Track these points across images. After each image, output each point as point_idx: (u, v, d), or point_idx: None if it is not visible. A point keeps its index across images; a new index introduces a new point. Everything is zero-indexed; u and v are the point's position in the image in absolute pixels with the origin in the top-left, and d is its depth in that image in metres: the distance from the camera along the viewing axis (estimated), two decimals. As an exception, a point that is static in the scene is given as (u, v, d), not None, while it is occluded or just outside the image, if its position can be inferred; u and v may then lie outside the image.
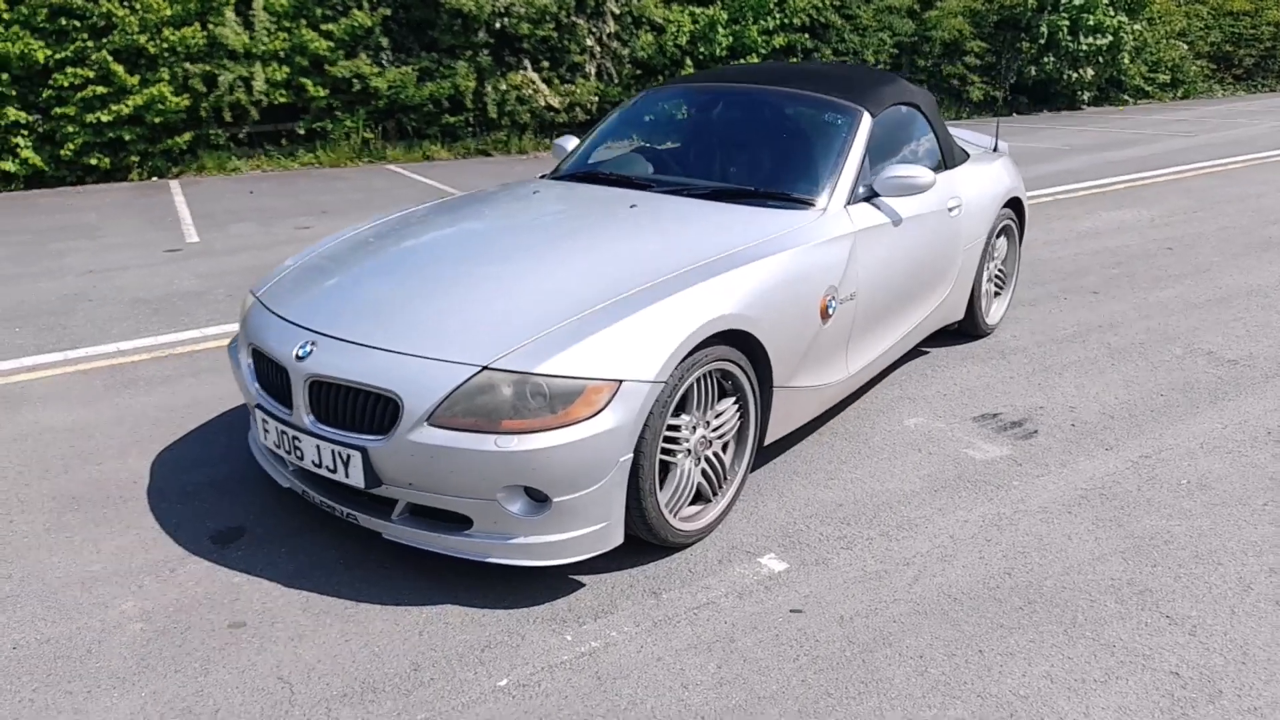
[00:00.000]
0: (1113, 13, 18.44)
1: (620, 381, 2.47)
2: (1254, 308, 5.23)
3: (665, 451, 2.72)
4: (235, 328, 4.86)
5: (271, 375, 2.79)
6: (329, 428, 2.60)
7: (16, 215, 9.00)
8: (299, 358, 2.64)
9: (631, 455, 2.53)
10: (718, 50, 14.30)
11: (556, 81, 13.47)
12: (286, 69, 11.78)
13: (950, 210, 4.07)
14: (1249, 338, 4.71)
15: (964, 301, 4.40)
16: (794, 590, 2.66)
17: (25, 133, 10.60)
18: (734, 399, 2.95)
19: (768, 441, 3.20)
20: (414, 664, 2.36)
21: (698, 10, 14.26)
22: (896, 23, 16.11)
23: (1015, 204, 4.73)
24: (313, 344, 2.66)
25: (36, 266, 6.65)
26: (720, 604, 2.61)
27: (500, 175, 10.75)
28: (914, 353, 4.54)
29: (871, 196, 3.59)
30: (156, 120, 11.01)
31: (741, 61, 14.58)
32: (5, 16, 10.10)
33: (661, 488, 2.75)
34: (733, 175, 3.78)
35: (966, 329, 4.63)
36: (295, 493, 2.91)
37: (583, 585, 2.69)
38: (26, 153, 10.56)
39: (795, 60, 15.12)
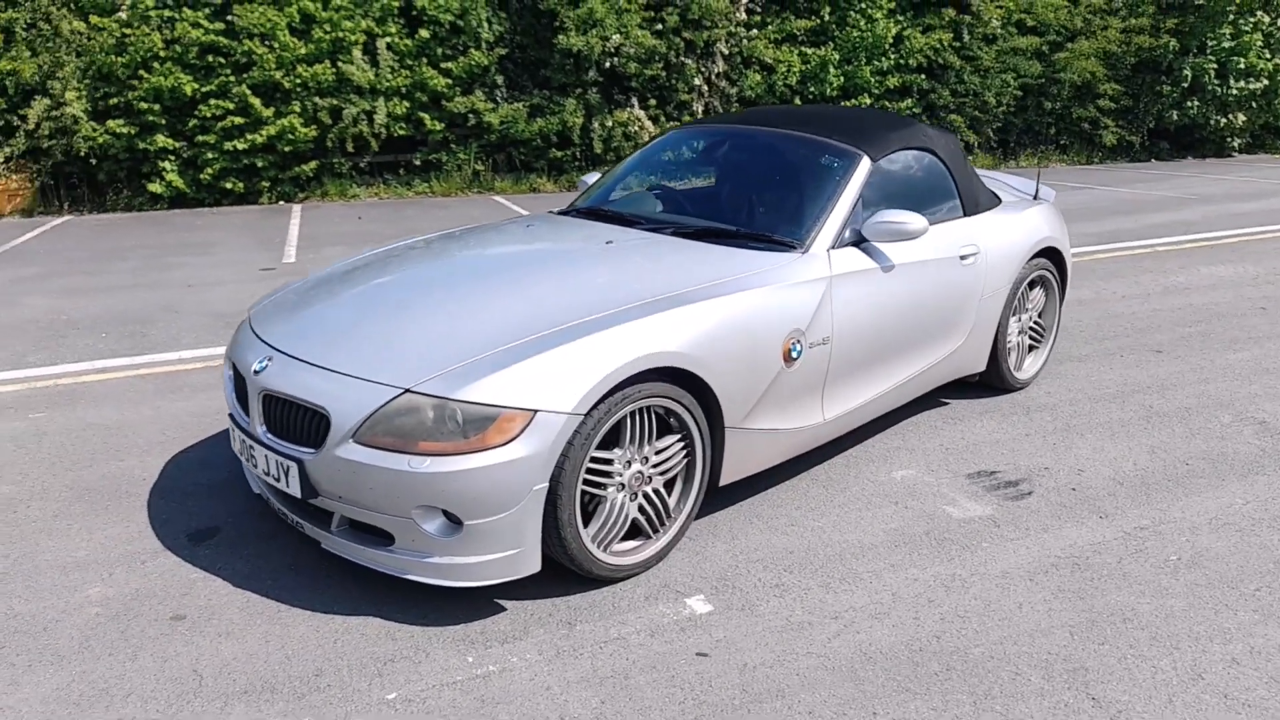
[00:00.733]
0: (1268, 55, 17.25)
1: (535, 411, 2.54)
2: (1337, 376, 4.80)
3: (593, 484, 2.76)
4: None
5: (241, 388, 3.00)
6: (276, 439, 2.78)
7: (153, 231, 9.89)
8: (256, 372, 2.84)
9: (547, 484, 2.59)
10: (828, 90, 14.25)
11: (663, 119, 13.72)
12: (407, 104, 12.49)
13: (963, 259, 3.95)
14: (1317, 409, 4.33)
15: (984, 353, 4.24)
16: (709, 634, 2.64)
17: (172, 158, 11.64)
18: (679, 437, 2.96)
19: (725, 483, 3.18)
20: (318, 670, 2.48)
21: (809, 50, 14.25)
22: (1022, 64, 15.59)
23: (1052, 255, 4.53)
24: (269, 359, 2.85)
25: (148, 279, 7.30)
26: (629, 640, 2.61)
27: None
28: (931, 403, 4.40)
29: (860, 241, 3.54)
30: (286, 149, 11.88)
31: (853, 103, 14.45)
32: (161, 54, 11.15)
33: (590, 520, 2.80)
34: (726, 215, 3.80)
35: (991, 382, 4.45)
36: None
37: (504, 610, 2.76)
38: (172, 176, 11.58)
39: (909, 103, 14.87)
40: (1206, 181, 13.54)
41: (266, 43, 11.52)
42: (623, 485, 2.84)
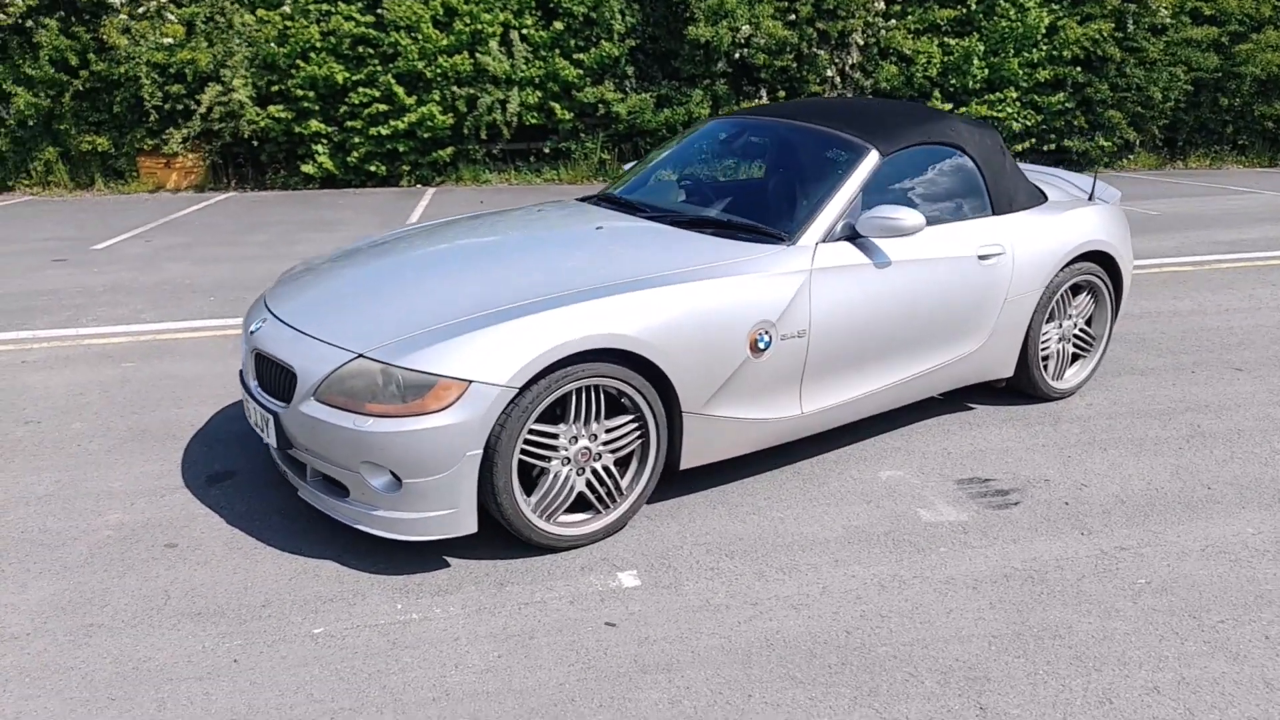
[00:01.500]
0: None
1: (470, 382, 2.72)
2: None
3: (536, 455, 2.92)
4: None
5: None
6: (262, 393, 3.09)
7: (297, 209, 10.76)
8: (251, 332, 3.16)
9: (481, 451, 2.76)
10: (971, 83, 13.66)
11: (793, 111, 13.56)
12: (539, 93, 12.95)
13: (983, 258, 3.82)
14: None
15: (1010, 358, 4.07)
16: (625, 606, 2.75)
17: (324, 141, 12.57)
18: (632, 417, 3.07)
19: (687, 467, 3.26)
20: (266, 601, 2.76)
21: (952, 41, 13.70)
22: (1195, 56, 14.39)
23: (1103, 259, 4.28)
24: (264, 321, 3.17)
25: (274, 251, 8.00)
26: (548, 604, 2.76)
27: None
28: (953, 407, 4.27)
29: (856, 237, 3.50)
30: (426, 135, 12.59)
31: (998, 95, 13.80)
32: (318, 45, 12.06)
33: (534, 489, 2.95)
34: (732, 205, 3.84)
35: (1023, 389, 4.27)
36: (268, 449, 3.45)
37: (447, 566, 2.96)
38: (323, 158, 12.52)
39: (1061, 97, 14.03)
40: (1403, 189, 12.09)
41: (411, 34, 12.23)
42: (568, 459, 2.98)
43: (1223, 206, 10.48)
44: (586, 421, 2.99)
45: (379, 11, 12.25)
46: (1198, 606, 2.75)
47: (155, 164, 12.58)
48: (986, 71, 13.71)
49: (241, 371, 3.37)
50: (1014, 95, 13.82)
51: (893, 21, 13.57)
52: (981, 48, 13.60)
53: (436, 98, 12.56)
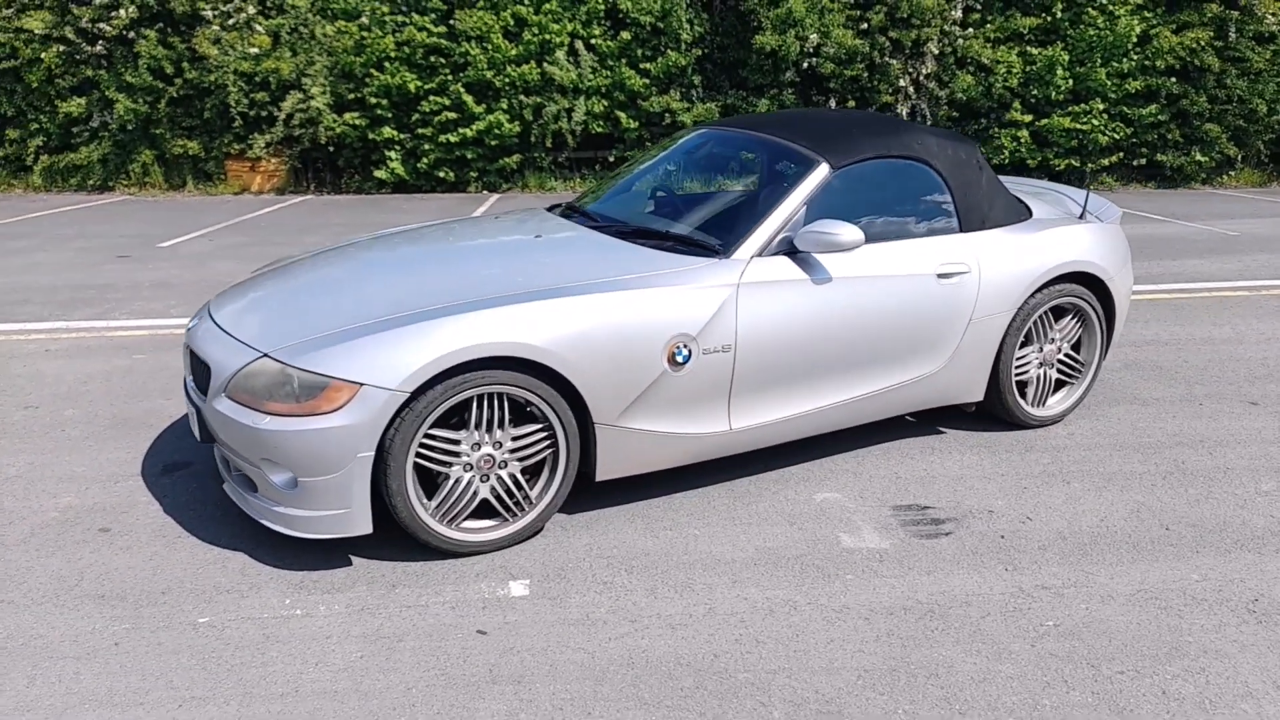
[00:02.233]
0: None
1: (361, 385, 2.77)
2: None
3: (436, 460, 2.95)
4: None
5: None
6: (193, 388, 3.23)
7: (362, 212, 11.16)
8: (189, 329, 3.30)
9: (373, 454, 2.82)
10: (1054, 94, 13.11)
11: (863, 122, 13.28)
12: (605, 102, 13.08)
13: (943, 276, 3.67)
14: None
15: (978, 382, 3.89)
16: (503, 615, 2.75)
17: (397, 148, 13.00)
18: (541, 426, 3.07)
19: (604, 479, 3.24)
20: (166, 589, 2.88)
21: (1034, 50, 13.18)
22: (1307, 66, 13.44)
23: (1089, 281, 4.05)
24: (199, 320, 3.31)
25: (321, 253, 8.30)
26: (429, 609, 2.79)
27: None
28: (922, 430, 4.11)
29: (795, 251, 3.42)
30: (493, 143, 12.88)
31: (1083, 107, 13.21)
32: (392, 55, 12.49)
33: (434, 495, 2.99)
34: (685, 217, 3.80)
35: (999, 415, 4.07)
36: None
37: (349, 565, 3.02)
38: (395, 164, 12.94)
39: (1153, 109, 13.31)
40: None
41: (482, 45, 12.53)
42: (470, 465, 3.00)
43: (1316, 227, 9.76)
44: (490, 429, 3.00)
45: (451, 23, 12.60)
46: (1100, 655, 2.57)
47: (241, 167, 13.25)
48: (1071, 82, 13.15)
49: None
50: (1100, 107, 13.20)
51: (970, 30, 13.15)
52: (1066, 57, 13.04)
53: (504, 106, 12.83)
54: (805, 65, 12.92)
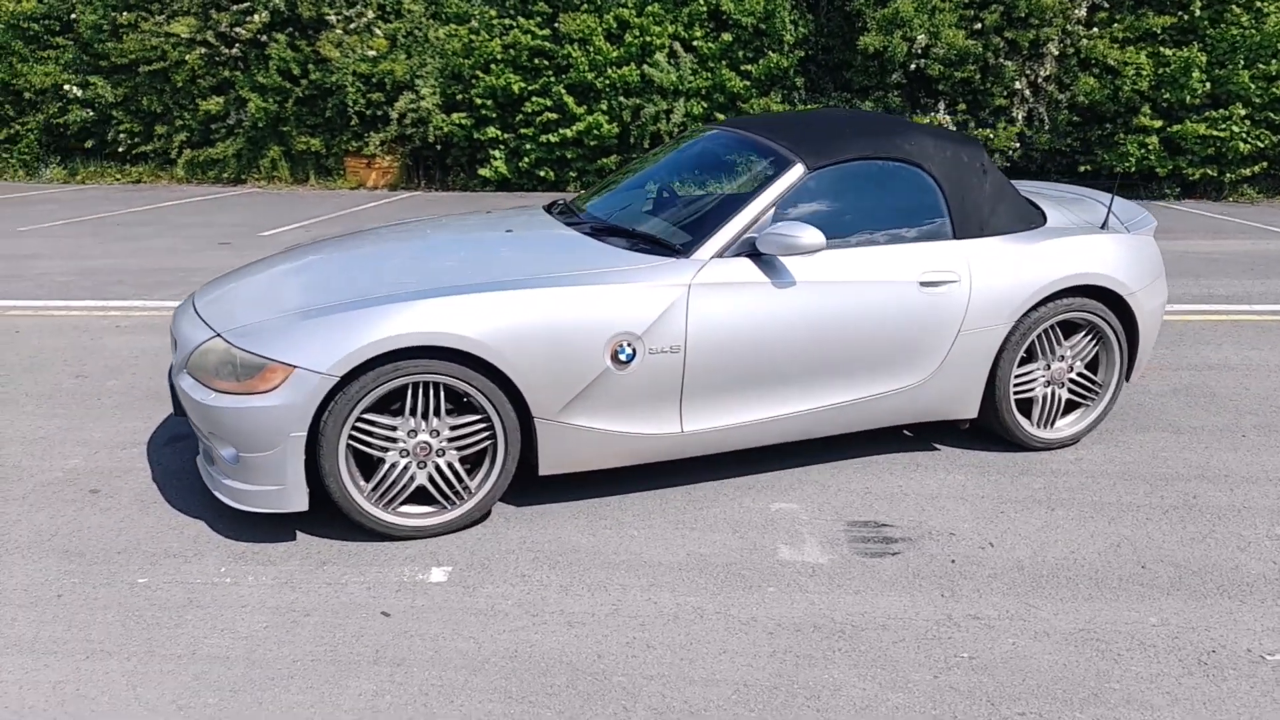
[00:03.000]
0: None
1: (294, 367, 2.89)
2: None
3: (371, 445, 3.04)
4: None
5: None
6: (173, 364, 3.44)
7: (458, 207, 11.55)
8: (176, 309, 3.52)
9: (305, 434, 2.93)
10: (1189, 98, 12.18)
11: (973, 125, 12.76)
12: (705, 104, 13.05)
13: (927, 284, 3.49)
14: None
15: (970, 398, 3.68)
16: (412, 600, 2.81)
17: (500, 148, 13.39)
18: (480, 417, 3.12)
19: (548, 473, 3.25)
20: (123, 549, 3.09)
21: (1168, 51, 12.29)
22: None
23: (1105, 296, 3.75)
24: (185, 301, 3.52)
25: (402, 246, 8.65)
26: (347, 586, 2.87)
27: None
28: (916, 445, 3.91)
29: (758, 254, 3.33)
30: (593, 143, 13.07)
31: (1222, 112, 12.22)
32: (499, 57, 12.86)
33: (370, 478, 3.08)
34: (668, 215, 3.74)
35: (997, 433, 3.83)
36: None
37: (292, 540, 3.15)
38: (498, 163, 13.33)
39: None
40: None
41: (584, 47, 12.73)
42: (406, 452, 3.08)
43: None
44: (426, 417, 3.07)
45: (555, 25, 12.85)
46: (1006, 694, 2.39)
47: (358, 164, 13.94)
48: (1208, 85, 12.18)
49: (186, 345, 3.75)
50: (1242, 113, 12.17)
51: (1095, 30, 12.38)
52: (1204, 58, 12.10)
53: (604, 107, 13.00)
54: (913, 67, 12.50)
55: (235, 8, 13.29)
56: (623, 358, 3.15)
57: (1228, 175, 12.50)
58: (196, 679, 2.43)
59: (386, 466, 3.08)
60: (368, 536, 3.15)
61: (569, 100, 12.89)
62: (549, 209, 4.17)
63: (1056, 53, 12.42)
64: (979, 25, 12.31)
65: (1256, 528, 3.24)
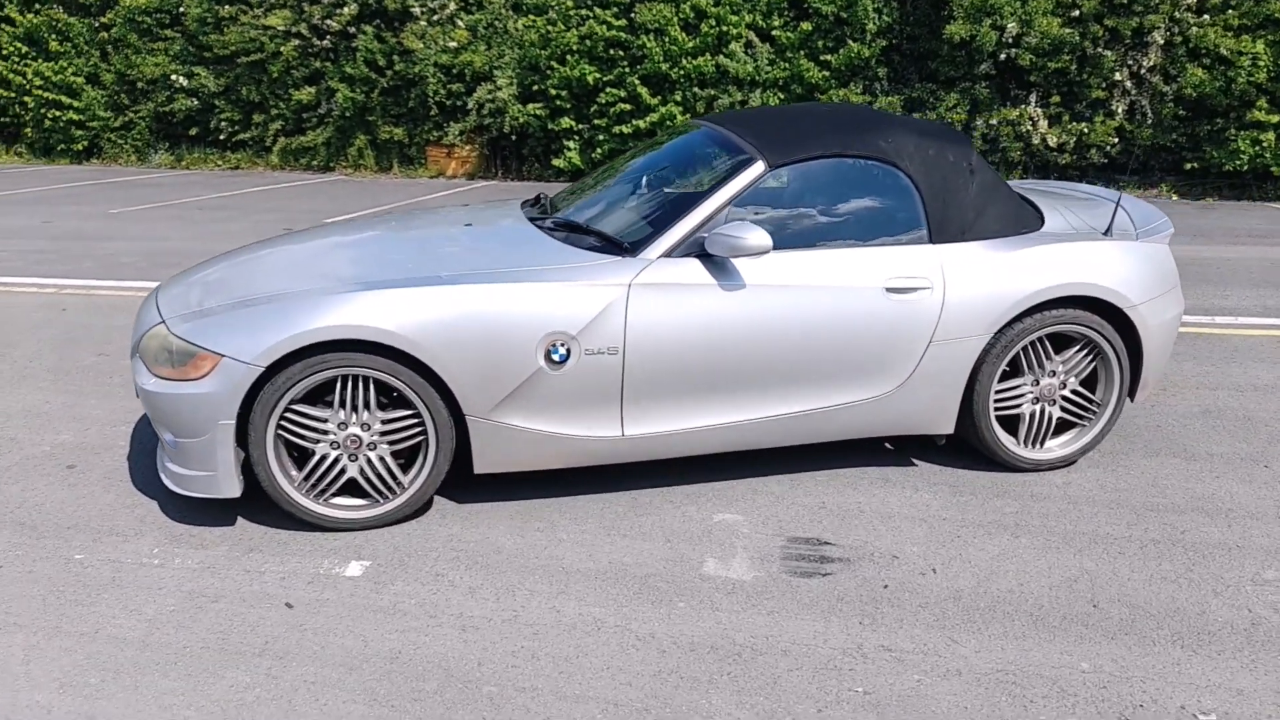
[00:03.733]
0: None
1: (222, 356, 2.94)
2: None
3: (301, 436, 3.07)
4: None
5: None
6: (140, 350, 3.55)
7: (527, 195, 11.66)
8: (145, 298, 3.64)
9: (233, 422, 2.98)
10: (1311, 90, 11.20)
11: (1067, 118, 12.08)
12: (781, 95, 12.77)
13: (894, 291, 3.28)
14: None
15: (945, 411, 3.45)
16: (319, 592, 2.82)
17: (575, 138, 13.44)
18: (412, 413, 3.10)
19: (483, 471, 3.22)
20: (75, 524, 3.21)
21: (1288, 40, 11.32)
22: None
23: (1103, 309, 3.45)
24: (155, 288, 3.63)
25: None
26: (264, 575, 2.91)
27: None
28: (897, 460, 3.70)
29: (707, 254, 3.20)
30: (667, 134, 12.95)
31: (1349, 106, 11.19)
32: (575, 48, 12.90)
33: (302, 469, 3.11)
34: (620, 213, 3.64)
35: (981, 452, 3.58)
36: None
37: (231, 525, 3.21)
38: (571, 153, 13.40)
39: None
40: None
41: (659, 37, 12.64)
42: (337, 444, 3.09)
43: None
44: (355, 410, 3.07)
45: (631, 15, 12.79)
46: (889, 735, 2.22)
47: (439, 153, 14.24)
48: (1334, 76, 11.16)
49: (167, 330, 3.87)
50: (1374, 107, 11.11)
51: (1206, 17, 11.51)
52: (1330, 47, 11.09)
53: (678, 98, 12.88)
54: (1003, 57, 11.90)
55: (326, 1, 13.73)
56: (556, 357, 3.07)
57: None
58: (89, 658, 2.50)
59: (317, 458, 3.10)
60: (300, 526, 3.19)
61: (643, 91, 12.83)
62: (527, 204, 4.13)
63: (1162, 41, 11.61)
64: (1076, 12, 11.63)
65: (1242, 570, 2.93)
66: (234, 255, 3.75)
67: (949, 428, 3.50)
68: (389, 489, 3.17)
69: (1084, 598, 2.78)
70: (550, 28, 12.95)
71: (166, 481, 3.16)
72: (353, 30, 13.84)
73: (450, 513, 3.31)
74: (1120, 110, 11.99)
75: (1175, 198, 12.06)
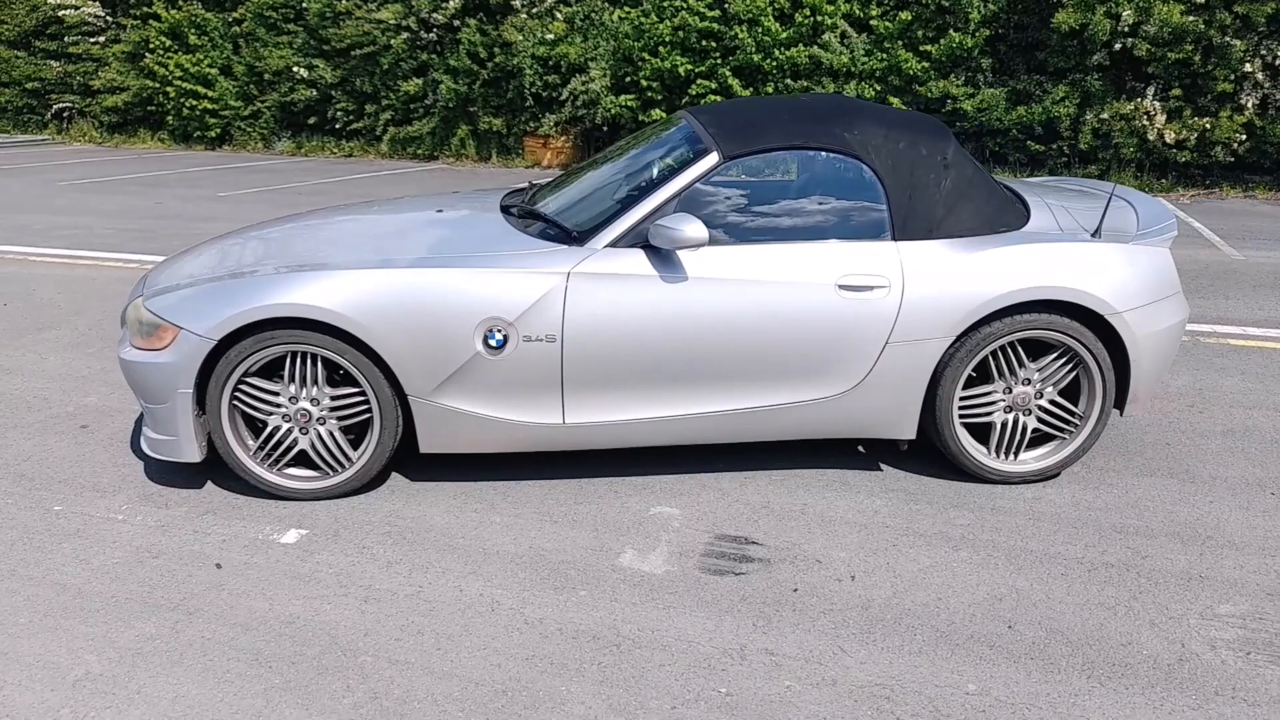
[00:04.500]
0: None
1: (180, 329, 3.13)
2: None
3: (254, 408, 3.23)
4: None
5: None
6: (142, 321, 3.81)
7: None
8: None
9: (191, 392, 3.17)
10: None
11: (1188, 113, 11.26)
12: (878, 86, 12.42)
13: (847, 288, 3.18)
14: None
15: (905, 415, 3.30)
16: (249, 556, 2.97)
17: (668, 129, 13.44)
18: (359, 390, 3.23)
19: (428, 451, 3.31)
20: (66, 478, 3.48)
21: None
22: None
23: (1081, 314, 3.23)
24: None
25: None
26: (206, 536, 3.09)
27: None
28: (865, 464, 3.58)
29: (650, 245, 3.18)
30: (759, 127, 12.81)
31: None
32: (667, 39, 12.92)
33: (258, 439, 3.28)
34: (584, 203, 3.62)
35: (950, 462, 3.42)
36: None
37: (199, 488, 3.42)
38: (664, 145, 13.40)
39: None
40: None
41: (753, 28, 12.49)
42: (289, 417, 3.24)
43: None
44: (305, 385, 3.21)
45: (725, 6, 12.69)
46: (732, 739, 2.18)
47: (536, 143, 14.52)
48: None
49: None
50: None
51: (1351, 2, 10.48)
52: None
53: (770, 89, 12.70)
54: (1117, 47, 11.19)
55: (433, -6, 14.21)
56: (493, 343, 3.13)
57: None
58: (27, 600, 2.72)
59: (269, 429, 3.26)
60: (262, 494, 3.36)
61: (734, 83, 12.71)
62: (514, 193, 4.18)
63: (1300, 29, 10.64)
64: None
65: (1194, 602, 2.70)
66: (224, 238, 3.97)
67: (910, 433, 3.36)
68: (338, 462, 3.30)
69: (1002, 618, 2.63)
70: (644, 19, 12.99)
71: (143, 445, 3.39)
72: (457, 23, 14.27)
73: (400, 489, 3.41)
74: (1251, 105, 11.07)
75: (1311, 200, 11.04)
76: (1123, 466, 3.56)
